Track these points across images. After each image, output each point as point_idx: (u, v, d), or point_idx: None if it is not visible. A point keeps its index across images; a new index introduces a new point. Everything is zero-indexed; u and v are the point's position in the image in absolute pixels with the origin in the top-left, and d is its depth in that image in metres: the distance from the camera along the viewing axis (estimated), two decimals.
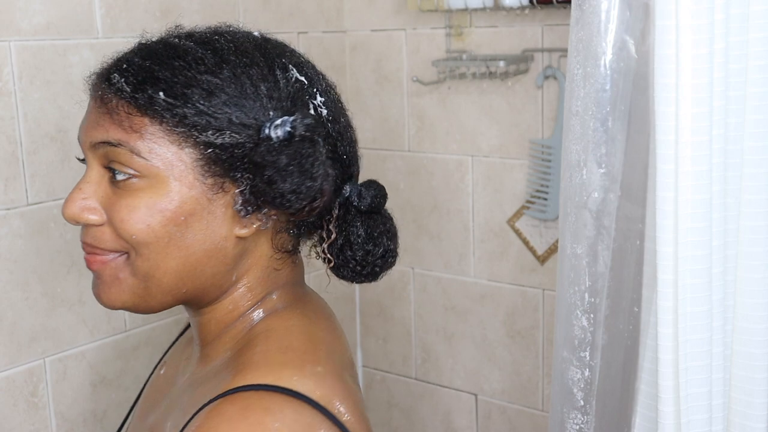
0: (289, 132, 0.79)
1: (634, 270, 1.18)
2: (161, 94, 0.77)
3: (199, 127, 0.78)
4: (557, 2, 1.58)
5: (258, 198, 0.80)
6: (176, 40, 0.82)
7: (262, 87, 0.80)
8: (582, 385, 1.19)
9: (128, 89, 0.78)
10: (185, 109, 0.78)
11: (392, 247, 0.91)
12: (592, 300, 1.17)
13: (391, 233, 0.91)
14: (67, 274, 1.44)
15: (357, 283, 0.92)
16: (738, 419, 1.09)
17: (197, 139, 0.78)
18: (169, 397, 0.92)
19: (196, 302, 0.86)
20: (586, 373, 1.19)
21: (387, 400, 2.08)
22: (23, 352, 1.40)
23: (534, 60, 1.69)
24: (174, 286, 0.81)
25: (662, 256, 1.04)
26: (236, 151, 0.79)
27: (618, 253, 1.18)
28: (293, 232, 0.86)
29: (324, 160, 0.81)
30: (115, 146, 0.78)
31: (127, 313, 1.54)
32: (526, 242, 1.77)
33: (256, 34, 0.86)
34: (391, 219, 0.92)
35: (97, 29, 1.46)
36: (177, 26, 0.85)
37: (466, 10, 1.71)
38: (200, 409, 0.78)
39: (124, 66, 0.79)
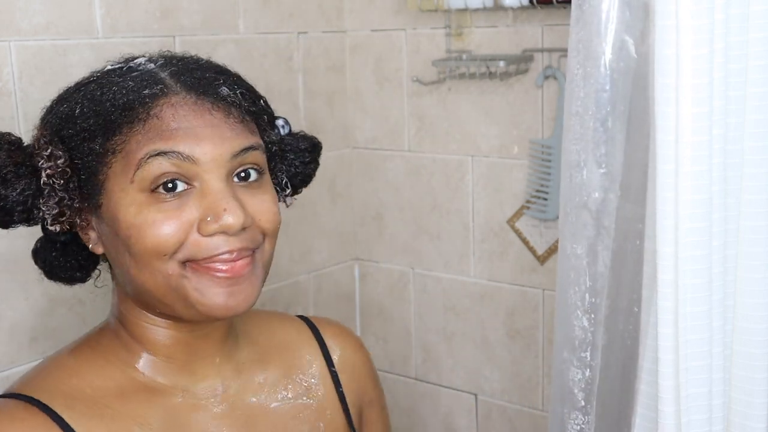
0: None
1: (634, 270, 1.18)
2: (261, 101, 0.93)
3: (270, 126, 0.95)
4: (557, 2, 1.58)
5: (292, 183, 1.01)
6: (197, 59, 0.93)
7: None
8: (583, 385, 1.19)
9: (243, 100, 0.88)
10: (268, 111, 0.95)
11: None
12: (593, 300, 1.17)
13: None
14: None
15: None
16: (738, 419, 1.09)
17: (266, 136, 0.93)
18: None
19: None
20: (587, 373, 1.19)
21: (387, 400, 2.08)
22: (23, 352, 1.40)
23: (534, 60, 1.69)
24: None
25: (662, 256, 1.04)
26: (275, 143, 0.97)
27: (618, 253, 1.18)
28: None
29: None
30: (256, 149, 0.88)
31: None
32: (526, 242, 1.77)
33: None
34: None
35: (97, 29, 1.46)
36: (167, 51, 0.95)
37: (466, 10, 1.71)
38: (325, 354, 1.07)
39: (222, 80, 0.88)
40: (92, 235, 0.90)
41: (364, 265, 2.04)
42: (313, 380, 1.05)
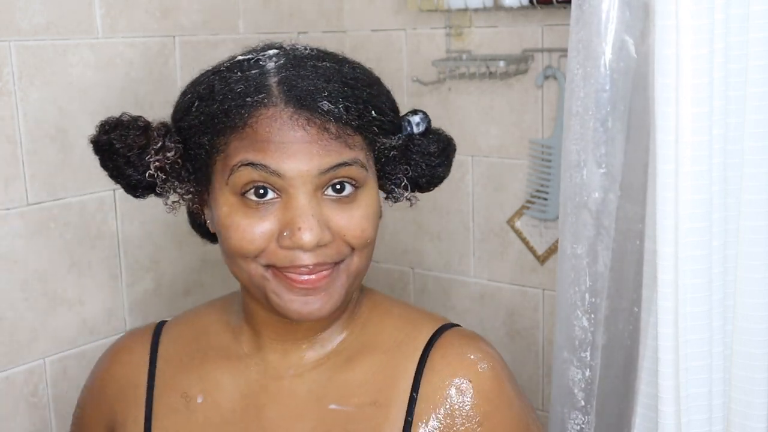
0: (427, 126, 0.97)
1: (634, 270, 1.18)
2: (372, 112, 0.89)
3: (386, 134, 0.91)
4: (557, 2, 1.58)
5: (417, 183, 0.97)
6: (320, 61, 0.91)
7: None
8: (583, 385, 1.19)
9: (345, 113, 0.86)
10: (383, 120, 0.90)
11: None
12: (593, 300, 1.17)
13: None
14: (67, 274, 1.44)
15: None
16: (738, 419, 1.09)
17: (380, 144, 0.91)
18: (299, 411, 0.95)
19: None
20: (587, 373, 1.19)
21: None
22: (23, 352, 1.40)
23: (534, 60, 1.69)
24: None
25: (662, 256, 1.04)
26: (395, 148, 0.93)
27: (618, 253, 1.18)
28: None
29: None
30: (350, 165, 0.86)
31: (127, 312, 1.54)
32: (526, 242, 1.77)
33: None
34: None
35: (97, 29, 1.46)
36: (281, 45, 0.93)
37: (466, 10, 1.71)
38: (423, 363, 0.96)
39: (328, 92, 0.86)
40: (207, 213, 0.94)
41: None
42: (387, 396, 0.94)
